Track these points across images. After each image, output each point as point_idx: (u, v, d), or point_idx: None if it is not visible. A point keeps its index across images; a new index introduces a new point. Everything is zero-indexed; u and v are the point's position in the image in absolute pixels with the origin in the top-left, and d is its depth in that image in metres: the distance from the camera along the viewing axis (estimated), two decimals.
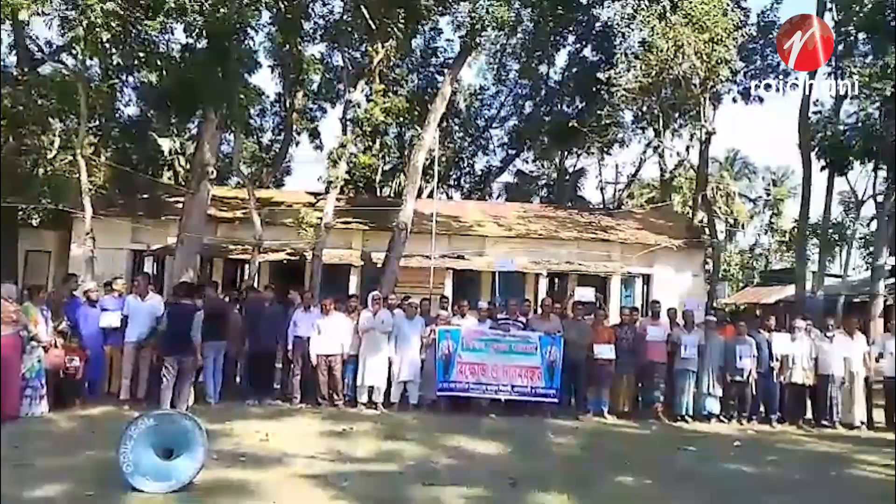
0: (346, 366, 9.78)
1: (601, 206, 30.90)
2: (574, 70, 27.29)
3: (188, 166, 21.92)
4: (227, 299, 10.85)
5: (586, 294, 14.31)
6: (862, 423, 10.23)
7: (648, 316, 11.36)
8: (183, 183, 21.33)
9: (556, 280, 21.57)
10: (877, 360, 10.41)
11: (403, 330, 9.81)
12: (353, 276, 19.18)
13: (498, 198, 33.90)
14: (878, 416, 10.49)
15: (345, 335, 9.74)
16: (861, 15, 16.78)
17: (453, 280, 19.29)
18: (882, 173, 18.33)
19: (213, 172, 15.30)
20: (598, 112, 24.70)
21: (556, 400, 9.83)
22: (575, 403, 10.18)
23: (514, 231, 21.58)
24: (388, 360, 9.74)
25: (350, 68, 19.53)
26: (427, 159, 19.03)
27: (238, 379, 10.23)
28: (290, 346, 9.80)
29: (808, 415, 10.42)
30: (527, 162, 34.20)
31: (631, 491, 6.27)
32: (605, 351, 9.96)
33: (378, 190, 28.48)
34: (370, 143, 19.19)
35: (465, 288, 18.89)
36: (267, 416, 8.84)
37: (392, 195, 26.94)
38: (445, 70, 21.63)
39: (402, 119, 20.15)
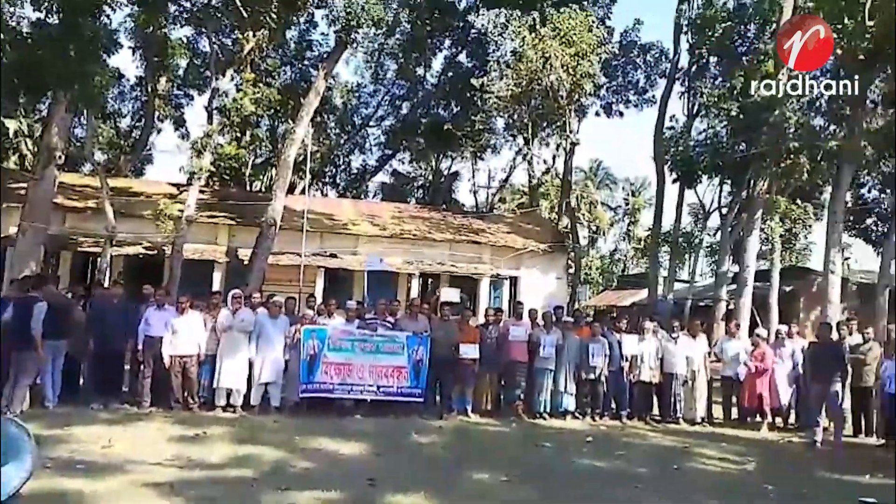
0: (202, 367, 9.32)
1: (474, 209, 31.56)
2: (450, 74, 27.72)
3: (35, 150, 20.11)
4: (70, 295, 10.00)
5: (452, 294, 14.53)
6: (703, 418, 11.05)
7: (512, 316, 11.67)
8: (29, 168, 19.54)
9: (430, 280, 21.77)
10: (716, 360, 11.31)
11: (266, 329, 9.47)
12: (216, 272, 18.37)
13: (374, 197, 33.77)
14: (717, 412, 11.40)
15: (201, 335, 9.27)
16: (713, 39, 18.21)
17: (325, 279, 18.97)
18: (727, 187, 20.00)
19: (61, 157, 14.12)
20: (472, 117, 25.22)
21: (421, 399, 9.88)
22: (440, 403, 10.29)
23: (389, 231, 21.55)
24: (249, 361, 9.37)
25: (219, 55, 18.71)
26: (300, 154, 18.58)
27: (81, 381, 9.47)
28: (140, 346, 9.18)
29: (655, 411, 11.11)
30: (403, 162, 34.37)
31: (488, 489, 6.38)
32: (469, 351, 10.13)
33: (248, 184, 27.51)
34: (239, 135, 18.47)
35: (338, 287, 18.63)
36: (112, 421, 8.23)
37: (263, 190, 26.10)
38: (320, 64, 21.23)
39: (273, 111, 19.56)
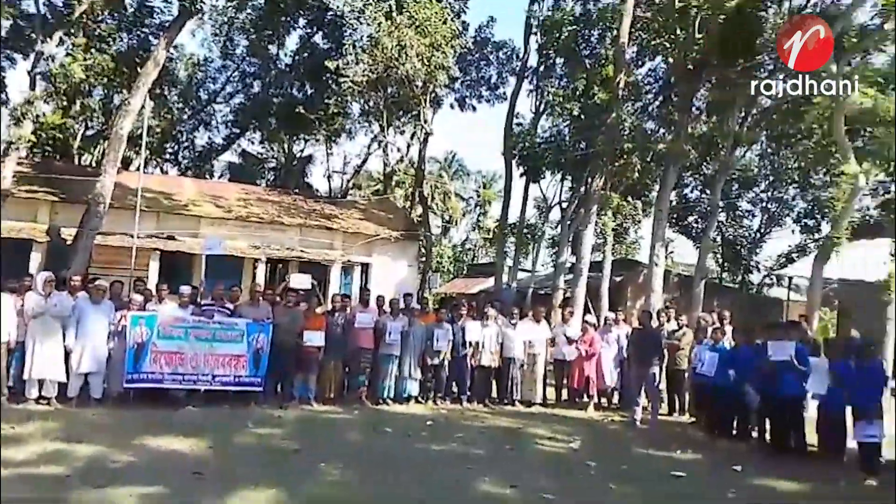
0: (11, 355, 8.42)
1: (328, 194, 31.02)
2: (305, 55, 26.96)
3: None
4: None
5: (302, 281, 14.21)
6: (539, 400, 11.63)
7: (359, 303, 11.61)
8: None
9: (278, 266, 21.12)
10: (552, 345, 11.91)
11: (86, 315, 8.71)
12: (35, 253, 16.66)
13: (219, 177, 32.17)
14: (550, 393, 12.03)
15: (11, 320, 8.37)
16: (559, 41, 19.07)
17: (161, 262, 17.79)
18: (567, 183, 21.09)
19: None
20: (327, 100, 24.73)
21: (260, 388, 9.58)
22: (281, 391, 10.04)
23: (234, 213, 20.61)
24: (66, 350, 8.59)
25: (47, 16, 16.91)
26: (137, 128, 17.26)
27: None
28: None
29: (494, 394, 11.53)
30: (253, 143, 32.98)
31: (324, 477, 6.30)
32: (314, 338, 9.95)
33: (77, 158, 25.19)
34: (67, 103, 16.84)
35: (175, 271, 17.52)
36: None
37: (93, 164, 24.00)
38: (161, 33, 19.82)
39: (108, 80, 18.01)
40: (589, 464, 7.41)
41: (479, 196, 44.57)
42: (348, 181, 34.47)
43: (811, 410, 8.52)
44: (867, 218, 14.88)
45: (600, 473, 7.03)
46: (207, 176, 30.36)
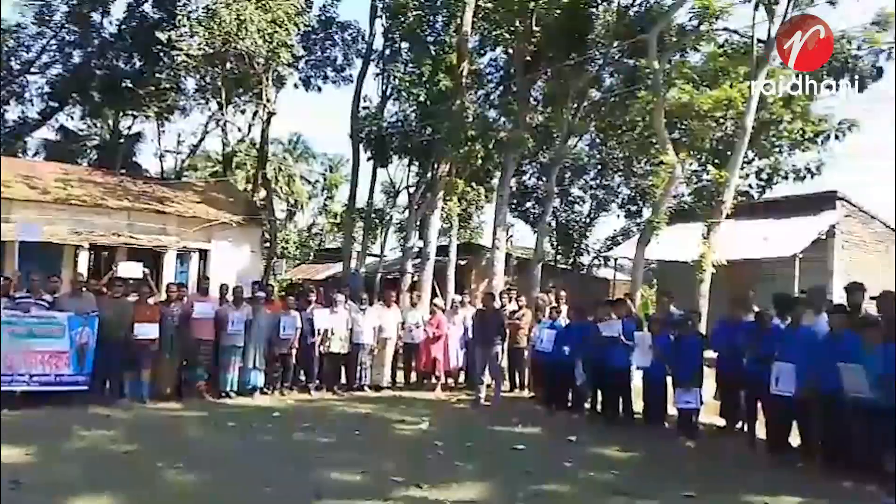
0: None
1: (159, 175, 28.99)
2: (132, 24, 24.88)
3: None
4: None
5: (131, 269, 13.20)
6: (388, 383, 11.71)
7: (197, 292, 11.01)
8: None
9: (103, 253, 19.46)
10: (402, 329, 12.01)
11: None
12: None
13: (34, 156, 29.01)
14: (399, 377, 12.15)
15: None
16: (404, 26, 19.05)
17: None
18: (414, 168, 21.25)
19: None
20: (158, 74, 23.03)
21: (86, 387, 8.82)
22: (110, 389, 9.31)
23: (52, 195, 18.66)
24: None
25: None
26: None
27: None
28: None
29: (343, 380, 11.44)
30: (73, 118, 29.99)
31: (157, 478, 5.92)
32: (146, 330, 9.31)
33: None
34: None
35: None
36: None
37: None
38: None
39: None
40: (437, 443, 7.57)
41: (325, 180, 43.75)
42: (183, 162, 32.42)
43: (636, 381, 9.28)
44: (682, 204, 16.32)
45: (448, 452, 7.21)
46: (21, 154, 27.25)
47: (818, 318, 7.56)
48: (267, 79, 20.30)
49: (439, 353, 11.67)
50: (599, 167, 26.18)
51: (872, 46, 13.41)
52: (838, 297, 9.41)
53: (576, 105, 17.88)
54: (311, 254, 38.86)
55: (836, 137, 14.40)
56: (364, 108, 20.40)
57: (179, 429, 8.11)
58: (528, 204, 27.10)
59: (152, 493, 5.52)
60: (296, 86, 23.04)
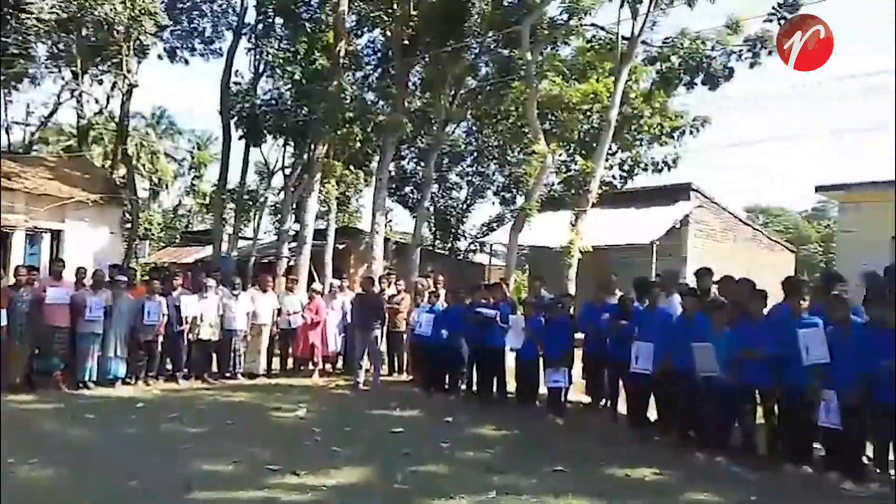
0: None
1: (7, 149, 26.39)
2: None
3: None
4: None
5: None
6: (264, 370, 11.42)
7: (50, 276, 10.18)
8: None
9: None
10: (279, 314, 11.73)
11: None
12: None
13: None
14: (275, 364, 11.89)
15: None
16: (277, 1, 18.38)
17: None
18: (290, 149, 20.67)
19: None
20: (5, 39, 20.84)
21: None
22: None
23: None
24: None
25: None
26: None
27: None
28: None
29: (214, 368, 11.04)
30: None
31: (13, 479, 5.45)
32: None
33: None
34: None
35: None
36: None
37: None
38: None
39: None
40: (314, 430, 7.51)
41: (193, 158, 41.62)
42: (33, 134, 29.72)
43: (510, 362, 9.63)
44: (553, 192, 17.02)
45: (325, 438, 7.16)
46: None
47: (671, 300, 8.19)
48: (128, 48, 18.99)
49: (317, 338, 11.53)
50: (476, 154, 26.71)
51: (724, 48, 14.53)
52: (692, 281, 10.18)
53: (453, 92, 18.09)
54: (178, 236, 36.91)
55: (691, 133, 15.53)
56: (235, 83, 19.58)
57: (32, 422, 7.53)
58: (407, 189, 27.21)
59: (4, 491, 5.08)
60: (160, 57, 21.68)
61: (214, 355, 10.99)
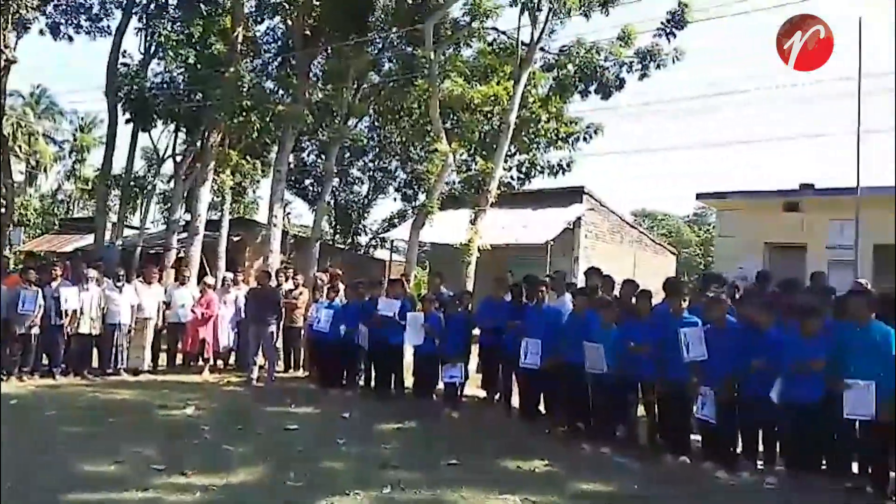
0: None
1: None
2: None
3: None
4: None
5: None
6: (149, 366, 10.92)
7: None
8: None
9: None
10: (168, 308, 11.23)
11: None
12: None
13: None
14: (162, 359, 11.40)
15: None
16: None
17: None
18: (182, 135, 19.78)
19: None
20: None
21: None
22: None
23: None
24: None
25: None
26: None
27: None
28: None
29: (95, 364, 10.44)
30: None
31: None
32: None
33: None
34: None
35: None
36: None
37: None
38: None
39: None
40: (204, 428, 7.27)
41: (75, 140, 39.03)
42: None
43: (408, 357, 9.69)
44: (454, 191, 17.21)
45: (216, 436, 6.95)
46: None
47: (563, 299, 8.52)
48: (6, 21, 17.57)
49: (208, 333, 11.13)
50: (378, 150, 26.62)
51: (616, 59, 15.20)
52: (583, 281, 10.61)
53: (356, 86, 17.93)
54: (57, 223, 34.53)
55: (585, 139, 16.13)
56: (123, 64, 18.51)
57: None
58: (307, 182, 26.78)
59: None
60: (42, 32, 20.19)
61: (95, 350, 10.39)
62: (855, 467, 6.02)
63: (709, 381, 6.49)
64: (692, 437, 6.86)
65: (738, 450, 6.53)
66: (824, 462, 6.11)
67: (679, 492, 5.71)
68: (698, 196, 14.90)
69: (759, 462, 6.40)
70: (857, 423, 5.78)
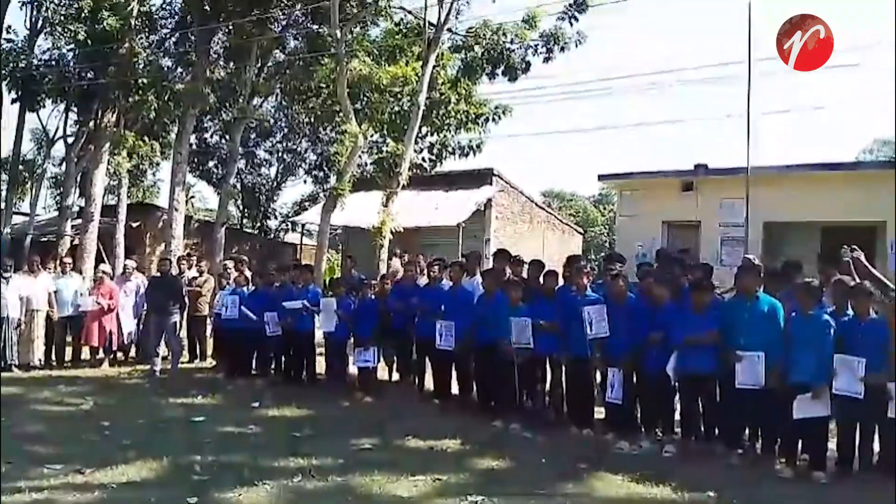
0: None
1: None
2: None
3: None
4: None
5: None
6: (40, 361, 10.33)
7: None
8: None
9: None
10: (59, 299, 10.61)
11: None
12: None
13: None
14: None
15: None
16: None
17: None
18: (73, 116, 18.64)
19: None
20: None
21: None
22: None
23: None
24: None
25: None
26: None
27: None
28: None
29: None
30: None
31: None
32: None
33: None
34: None
35: None
36: None
37: None
38: None
39: None
40: (103, 423, 6.95)
41: None
42: None
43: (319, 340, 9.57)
44: (365, 172, 17.03)
45: (116, 432, 6.66)
46: None
47: (473, 280, 8.63)
48: None
49: (107, 324, 10.59)
50: (286, 131, 25.97)
51: (522, 42, 15.39)
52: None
53: (259, 64, 17.38)
54: None
55: (494, 120, 16.29)
56: (8, 40, 17.20)
57: None
58: (211, 164, 25.81)
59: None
60: None
61: None
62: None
63: (611, 356, 6.75)
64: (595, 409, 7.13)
65: (639, 421, 6.84)
66: (718, 430, 6.47)
67: (583, 462, 5.92)
68: (600, 177, 15.34)
69: (658, 432, 6.71)
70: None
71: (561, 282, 7.62)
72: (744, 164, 9.78)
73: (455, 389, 8.39)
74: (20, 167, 18.32)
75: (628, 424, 6.74)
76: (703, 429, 6.49)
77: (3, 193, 19.09)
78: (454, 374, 8.34)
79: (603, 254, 26.55)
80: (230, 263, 11.11)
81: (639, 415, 6.85)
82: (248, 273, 10.71)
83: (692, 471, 5.71)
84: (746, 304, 6.29)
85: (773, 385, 5.91)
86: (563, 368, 7.32)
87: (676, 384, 6.47)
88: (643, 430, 6.72)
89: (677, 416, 6.70)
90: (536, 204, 21.82)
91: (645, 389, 6.76)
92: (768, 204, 10.96)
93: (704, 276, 7.20)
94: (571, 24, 14.63)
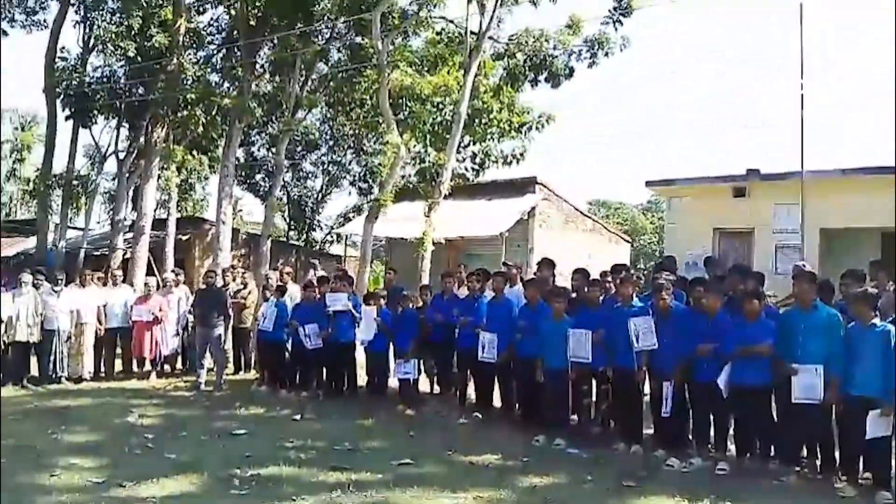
0: None
1: None
2: None
3: None
4: None
5: None
6: (90, 373, 10.50)
7: None
8: None
9: None
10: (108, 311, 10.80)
11: None
12: None
13: None
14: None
15: None
16: None
17: None
18: (125, 131, 19.15)
19: None
20: None
21: None
22: None
23: None
24: None
25: None
26: None
27: None
28: None
29: (35, 372, 10.02)
30: None
31: None
32: None
33: None
34: None
35: None
36: None
37: None
38: None
39: None
40: (147, 436, 6.99)
41: (15, 140, 37.58)
42: None
43: (360, 355, 9.51)
44: (408, 183, 16.99)
45: (158, 445, 6.70)
46: None
47: (514, 290, 8.45)
48: None
49: (156, 336, 10.73)
50: (331, 143, 26.21)
51: (565, 47, 15.16)
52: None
53: (304, 77, 17.57)
54: None
55: (537, 128, 16.07)
56: (62, 59, 17.79)
57: None
58: (258, 177, 26.22)
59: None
60: None
61: (34, 358, 9.96)
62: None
63: (660, 369, 6.49)
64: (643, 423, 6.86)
65: (690, 437, 6.55)
66: (774, 447, 6.14)
67: (630, 480, 5.68)
68: (648, 183, 14.95)
69: (710, 447, 6.41)
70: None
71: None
72: (798, 169, 9.37)
73: (497, 402, 8.21)
74: (74, 182, 18.87)
75: (679, 440, 6.46)
76: (758, 445, 6.17)
77: (59, 208, 19.69)
78: (497, 386, 8.17)
79: (652, 262, 25.95)
80: (273, 275, 11.15)
81: (690, 430, 6.56)
82: (291, 285, 10.70)
83: (746, 490, 5.42)
84: (803, 315, 5.97)
85: (832, 400, 5.58)
86: (610, 382, 7.08)
87: (727, 398, 6.17)
88: (694, 446, 6.43)
89: (731, 432, 6.39)
90: (581, 212, 21.45)
91: (696, 403, 6.47)
92: (825, 209, 10.49)
93: (756, 284, 6.87)
94: (616, 29, 14.35)
